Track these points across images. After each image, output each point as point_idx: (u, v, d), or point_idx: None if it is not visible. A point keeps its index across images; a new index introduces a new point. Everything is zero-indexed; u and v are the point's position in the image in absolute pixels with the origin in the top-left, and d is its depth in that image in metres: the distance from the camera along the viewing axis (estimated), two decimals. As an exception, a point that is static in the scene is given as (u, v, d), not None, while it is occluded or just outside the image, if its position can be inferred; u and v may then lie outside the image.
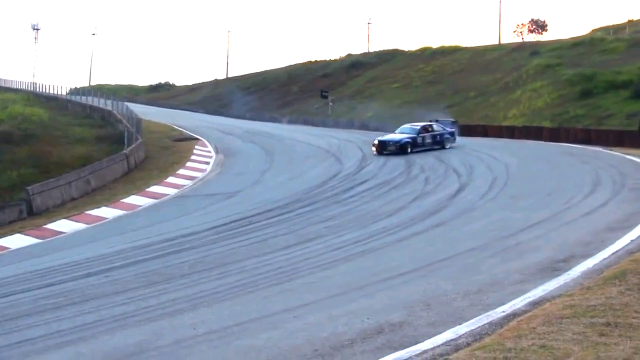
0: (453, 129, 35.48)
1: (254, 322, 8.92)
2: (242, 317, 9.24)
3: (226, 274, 12.75)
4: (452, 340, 6.92)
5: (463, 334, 7.08)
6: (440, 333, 7.28)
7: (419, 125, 34.57)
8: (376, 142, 33.07)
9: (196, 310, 10.11)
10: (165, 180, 29.93)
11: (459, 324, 7.54)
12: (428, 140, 33.47)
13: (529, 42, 77.56)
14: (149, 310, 10.49)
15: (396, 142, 32.74)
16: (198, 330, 8.80)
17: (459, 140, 35.54)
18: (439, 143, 33.70)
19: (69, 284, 13.73)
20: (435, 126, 34.61)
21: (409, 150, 32.37)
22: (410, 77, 70.51)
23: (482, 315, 7.81)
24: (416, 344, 6.99)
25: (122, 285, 12.90)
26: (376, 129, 50.14)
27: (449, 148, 33.38)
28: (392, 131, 39.32)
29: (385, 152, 32.10)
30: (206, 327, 8.93)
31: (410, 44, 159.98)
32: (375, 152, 32.48)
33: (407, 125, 34.97)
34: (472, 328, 7.30)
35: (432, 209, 18.36)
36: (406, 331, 7.57)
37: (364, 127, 53.59)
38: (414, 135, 33.27)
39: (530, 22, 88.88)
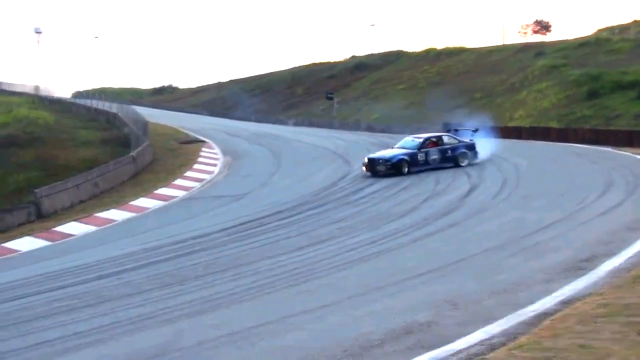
0: (473, 141, 28.38)
1: (276, 323, 8.80)
2: (264, 318, 9.10)
3: (241, 276, 12.63)
4: (485, 339, 6.79)
5: (496, 334, 6.96)
6: (471, 333, 7.15)
7: (422, 137, 28.03)
8: (366, 160, 27.25)
9: (215, 312, 9.99)
10: (173, 183, 29.82)
11: (490, 324, 7.41)
12: (434, 157, 26.92)
13: (534, 42, 77.38)
14: (166, 312, 10.37)
15: (387, 161, 26.42)
16: (220, 331, 8.66)
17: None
18: (450, 160, 27.19)
19: (81, 286, 13.62)
20: (447, 138, 28.05)
21: (405, 170, 26.12)
22: (416, 79, 70.46)
23: (513, 315, 7.68)
24: (448, 343, 6.86)
25: (136, 287, 12.78)
26: (382, 131, 50.16)
27: (466, 166, 26.91)
28: (398, 132, 39.01)
29: (378, 174, 26.17)
30: (228, 328, 8.80)
31: (414, 46, 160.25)
32: (366, 172, 26.74)
33: (409, 138, 28.71)
34: (505, 327, 7.17)
35: (444, 209, 18.21)
36: (436, 331, 7.43)
37: (370, 128, 53.54)
38: (413, 151, 26.85)
39: (534, 22, 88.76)
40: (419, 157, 26.75)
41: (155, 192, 28.02)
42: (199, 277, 12.97)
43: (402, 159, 26.48)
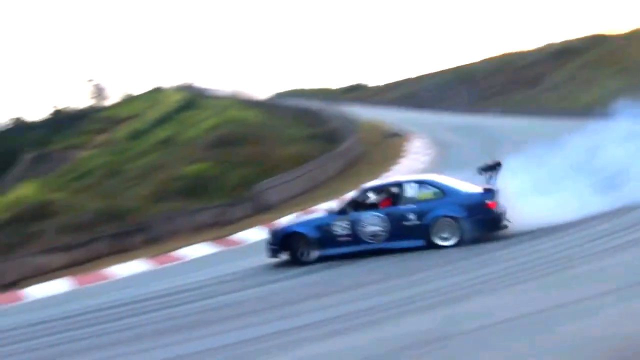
0: (491, 189, 14.15)
1: (557, 310, 8.11)
2: (536, 306, 8.38)
3: (492, 262, 12.08)
4: None
5: None
6: None
7: (364, 189, 15.38)
8: None
9: (478, 297, 9.56)
10: (384, 175, 29.68)
11: None
12: (372, 228, 14.08)
13: None
14: (424, 297, 10.04)
15: (272, 236, 15.06)
16: (495, 317, 8.12)
17: None
18: (412, 233, 13.84)
19: (322, 273, 13.63)
20: (416, 188, 14.26)
21: (308, 253, 14.44)
22: (626, 62, 65.91)
23: None
24: None
25: (382, 274, 12.56)
26: (593, 117, 47.26)
27: (454, 246, 13.68)
28: (612, 117, 36.52)
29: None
30: (501, 314, 8.24)
31: (620, 26, 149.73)
32: None
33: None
34: None
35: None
36: None
37: (580, 115, 50.69)
38: (324, 218, 14.92)
39: None
40: (334, 229, 14.38)
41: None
42: (448, 263, 12.48)
43: (296, 233, 14.64)
